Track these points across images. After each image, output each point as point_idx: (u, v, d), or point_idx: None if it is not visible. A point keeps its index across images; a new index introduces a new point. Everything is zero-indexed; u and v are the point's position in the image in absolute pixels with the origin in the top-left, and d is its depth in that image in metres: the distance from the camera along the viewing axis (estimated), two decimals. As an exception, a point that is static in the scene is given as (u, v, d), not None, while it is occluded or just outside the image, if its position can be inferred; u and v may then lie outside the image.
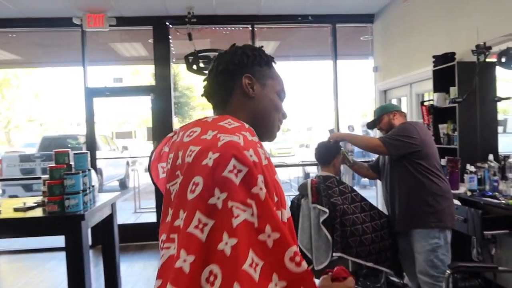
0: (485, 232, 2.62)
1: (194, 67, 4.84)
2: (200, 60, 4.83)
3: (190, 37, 4.93)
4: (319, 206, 2.50)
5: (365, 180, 8.24)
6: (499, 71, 3.29)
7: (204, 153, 0.76)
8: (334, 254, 2.43)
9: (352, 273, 2.54)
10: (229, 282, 0.67)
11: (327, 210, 2.47)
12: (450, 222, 2.45)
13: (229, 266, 0.68)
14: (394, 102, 5.27)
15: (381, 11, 5.24)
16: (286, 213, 0.87)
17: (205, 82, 1.02)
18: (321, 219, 2.47)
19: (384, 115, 2.69)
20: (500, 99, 3.28)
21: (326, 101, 5.94)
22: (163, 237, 0.79)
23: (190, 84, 12.40)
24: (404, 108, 4.99)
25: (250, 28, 5.34)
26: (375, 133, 5.04)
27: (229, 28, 5.43)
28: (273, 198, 0.80)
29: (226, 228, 0.70)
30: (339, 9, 5.22)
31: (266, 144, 1.03)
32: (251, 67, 0.97)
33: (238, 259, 0.69)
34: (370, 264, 2.49)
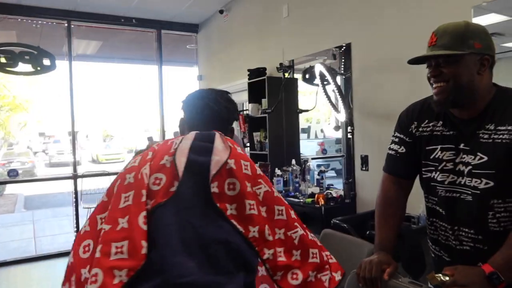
0: (288, 228, 2.98)
1: (-7, 62, 4.14)
2: (2, 55, 4.16)
3: (-13, 27, 4.20)
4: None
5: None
6: (302, 86, 3.81)
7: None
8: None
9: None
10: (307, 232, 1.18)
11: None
12: None
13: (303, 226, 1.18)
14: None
15: (204, 22, 5.46)
16: None
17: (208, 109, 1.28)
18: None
19: None
20: (301, 111, 3.80)
21: (153, 106, 5.87)
22: (266, 227, 1.08)
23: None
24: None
25: (66, 24, 4.88)
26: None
27: (40, 22, 4.83)
28: None
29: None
30: (164, 16, 5.23)
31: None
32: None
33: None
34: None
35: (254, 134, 4.05)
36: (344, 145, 3.40)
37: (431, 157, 1.27)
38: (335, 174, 6.75)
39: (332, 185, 3.50)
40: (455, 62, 1.15)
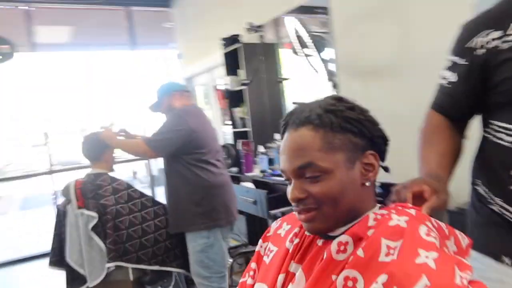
0: (272, 212, 2.61)
1: None
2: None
3: None
4: (86, 211, 2.08)
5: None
6: (283, 52, 3.39)
7: None
8: (108, 264, 2.05)
9: (135, 282, 2.21)
10: None
11: (95, 215, 2.06)
12: (225, 219, 2.22)
13: None
14: (199, 89, 5.16)
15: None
16: None
17: None
18: (90, 226, 2.06)
19: (164, 98, 2.38)
20: (282, 79, 3.39)
21: (130, 95, 5.48)
22: None
23: None
24: (209, 96, 4.91)
25: (26, 8, 4.47)
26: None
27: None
28: None
29: None
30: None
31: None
32: None
33: None
34: (155, 268, 2.20)
35: (236, 110, 3.64)
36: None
37: None
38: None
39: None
40: None
